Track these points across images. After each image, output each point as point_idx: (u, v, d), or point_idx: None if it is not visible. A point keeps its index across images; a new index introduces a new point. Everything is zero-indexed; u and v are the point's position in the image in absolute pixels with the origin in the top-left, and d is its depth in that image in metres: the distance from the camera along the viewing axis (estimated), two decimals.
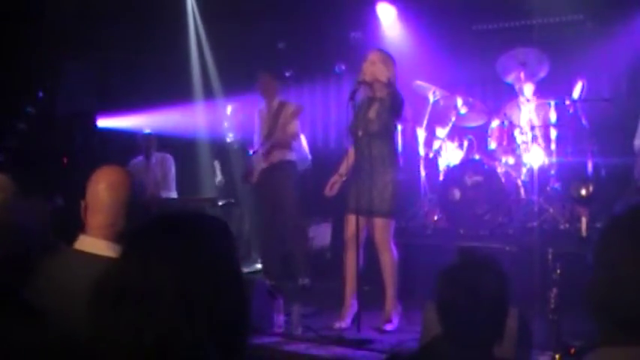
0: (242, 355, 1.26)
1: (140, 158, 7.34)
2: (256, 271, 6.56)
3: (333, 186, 4.98)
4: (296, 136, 6.21)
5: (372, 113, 4.80)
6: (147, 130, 7.37)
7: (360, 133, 4.77)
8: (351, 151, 4.93)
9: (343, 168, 5.00)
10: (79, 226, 2.13)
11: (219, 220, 1.34)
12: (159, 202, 6.88)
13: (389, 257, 4.79)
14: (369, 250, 4.91)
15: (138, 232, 1.29)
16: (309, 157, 7.70)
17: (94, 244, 2.06)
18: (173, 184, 7.34)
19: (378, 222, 4.78)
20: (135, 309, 1.18)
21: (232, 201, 7.45)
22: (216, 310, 1.21)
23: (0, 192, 1.75)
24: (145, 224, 1.30)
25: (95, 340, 1.22)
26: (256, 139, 6.37)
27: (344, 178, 4.98)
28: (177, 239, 1.25)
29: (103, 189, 2.10)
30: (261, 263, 6.49)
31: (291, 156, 6.24)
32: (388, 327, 4.74)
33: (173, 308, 1.17)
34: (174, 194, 7.28)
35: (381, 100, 4.82)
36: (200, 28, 8.49)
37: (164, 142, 7.47)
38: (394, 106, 4.77)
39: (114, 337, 1.19)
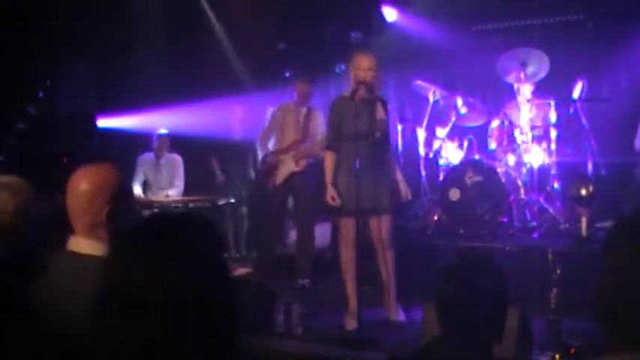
0: (231, 355, 1.26)
1: (149, 156, 7.35)
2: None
3: (336, 197, 4.91)
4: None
5: (377, 114, 4.81)
6: (162, 131, 7.38)
7: (368, 135, 4.76)
8: (331, 158, 4.93)
9: (329, 176, 4.93)
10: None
11: (206, 220, 1.33)
12: (161, 203, 6.88)
13: (393, 253, 4.87)
14: (369, 250, 4.92)
15: (124, 235, 1.29)
16: None
17: (85, 244, 2.06)
18: (180, 184, 7.35)
19: (387, 220, 4.82)
20: (122, 311, 1.18)
21: (232, 201, 7.45)
22: (203, 311, 1.21)
23: (18, 194, 1.75)
24: (131, 227, 1.30)
25: (85, 342, 1.22)
26: (276, 137, 6.36)
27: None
28: (163, 241, 1.25)
29: (81, 187, 2.07)
30: (257, 261, 6.45)
31: (312, 160, 6.31)
32: (401, 317, 4.82)
33: (160, 309, 1.17)
34: (180, 194, 7.30)
35: (375, 101, 4.86)
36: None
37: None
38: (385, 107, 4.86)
39: (103, 339, 1.19)
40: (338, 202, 4.88)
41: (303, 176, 6.21)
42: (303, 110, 6.26)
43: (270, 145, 6.42)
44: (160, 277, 1.19)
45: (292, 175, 6.20)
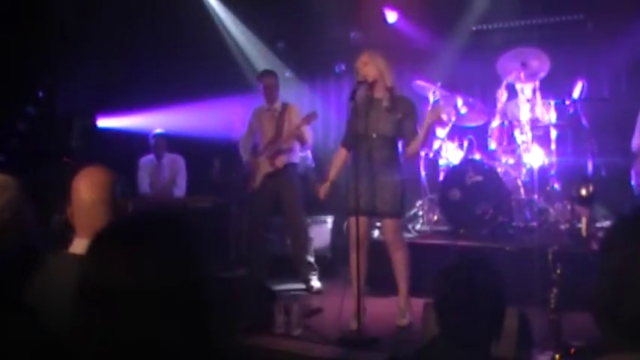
0: (223, 352, 1.26)
1: (150, 157, 7.36)
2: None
3: (322, 193, 4.94)
4: (310, 141, 6.09)
5: (380, 113, 4.75)
6: (158, 130, 7.37)
7: (374, 135, 4.72)
8: (340, 154, 4.95)
9: (333, 173, 4.96)
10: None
11: (179, 219, 1.34)
12: (162, 201, 6.88)
13: (402, 255, 4.82)
14: (372, 250, 4.92)
15: (100, 235, 1.30)
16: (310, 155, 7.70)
17: (84, 245, 2.06)
18: (183, 185, 7.35)
19: (391, 223, 4.79)
20: (111, 309, 1.19)
21: (232, 201, 7.45)
22: (192, 309, 1.22)
23: (5, 191, 1.75)
24: (117, 225, 1.31)
25: (78, 339, 1.23)
26: (259, 141, 6.23)
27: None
28: (135, 241, 1.26)
29: (83, 190, 2.10)
30: (250, 265, 6.27)
31: (296, 159, 6.18)
32: (404, 322, 4.79)
33: (149, 308, 1.18)
34: (183, 193, 7.30)
35: (381, 100, 4.79)
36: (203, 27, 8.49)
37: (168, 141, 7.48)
38: (410, 111, 4.77)
39: (95, 337, 1.20)
40: (322, 197, 4.93)
41: (283, 175, 5.99)
42: (278, 107, 6.09)
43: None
44: (131, 277, 1.20)
45: (269, 176, 6.00)
